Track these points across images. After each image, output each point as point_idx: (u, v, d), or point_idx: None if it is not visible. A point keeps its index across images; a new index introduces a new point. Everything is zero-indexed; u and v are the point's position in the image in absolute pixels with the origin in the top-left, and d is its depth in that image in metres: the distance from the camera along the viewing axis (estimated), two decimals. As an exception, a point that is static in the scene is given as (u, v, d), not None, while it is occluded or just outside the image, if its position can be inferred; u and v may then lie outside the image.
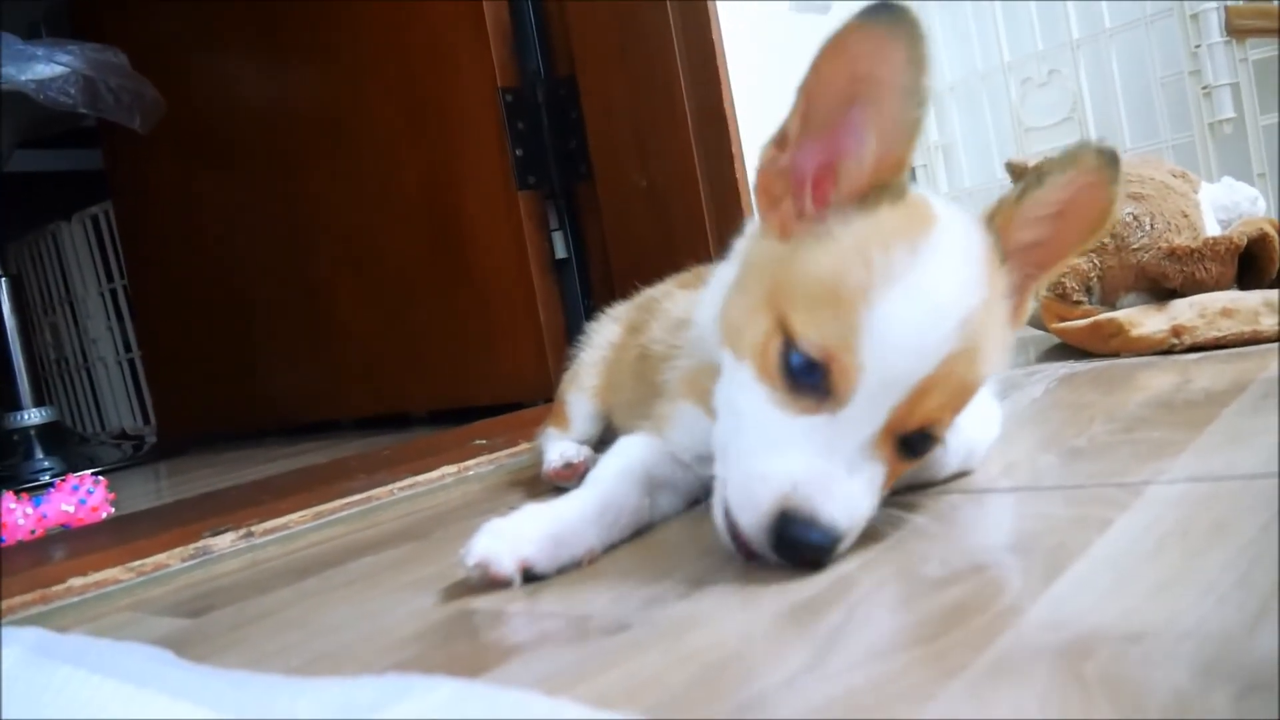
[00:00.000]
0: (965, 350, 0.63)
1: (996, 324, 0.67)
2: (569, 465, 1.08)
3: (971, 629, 0.50)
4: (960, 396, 0.66)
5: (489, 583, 0.74)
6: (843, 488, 0.63)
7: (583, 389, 1.16)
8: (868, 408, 0.63)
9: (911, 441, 0.66)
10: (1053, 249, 0.72)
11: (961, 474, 0.82)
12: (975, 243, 0.67)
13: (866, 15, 0.63)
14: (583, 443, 1.15)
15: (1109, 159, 0.67)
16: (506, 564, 0.73)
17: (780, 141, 0.71)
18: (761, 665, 0.51)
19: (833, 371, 0.64)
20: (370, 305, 2.28)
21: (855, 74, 0.65)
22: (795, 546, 0.62)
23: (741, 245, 0.79)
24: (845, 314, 0.63)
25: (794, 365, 0.65)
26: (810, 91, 0.69)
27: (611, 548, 0.79)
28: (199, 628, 0.82)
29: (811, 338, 0.64)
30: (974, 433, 0.83)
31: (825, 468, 0.63)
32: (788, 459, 0.64)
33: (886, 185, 0.67)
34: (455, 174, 2.01)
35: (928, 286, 0.63)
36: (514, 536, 0.74)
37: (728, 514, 0.66)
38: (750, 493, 0.64)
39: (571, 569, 0.75)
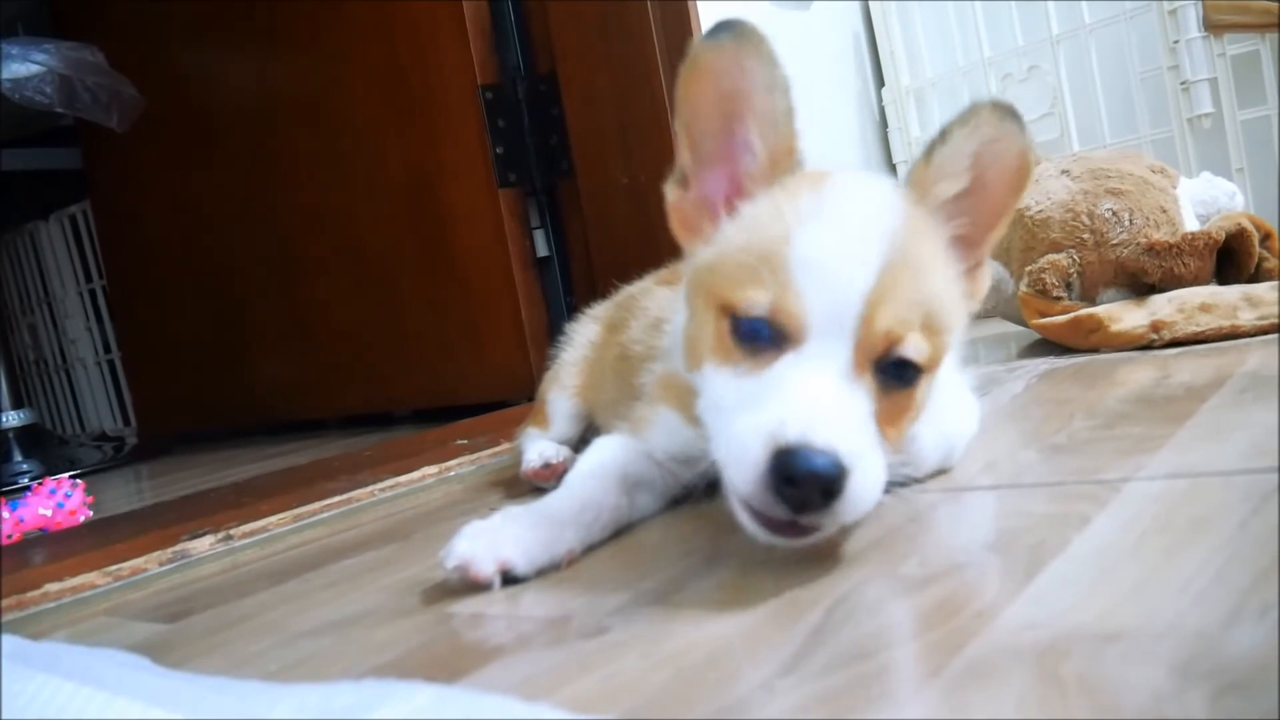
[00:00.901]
0: (899, 262, 0.65)
1: (934, 256, 0.70)
2: (548, 465, 1.08)
3: (950, 629, 0.50)
4: (916, 312, 0.65)
5: (469, 585, 0.73)
6: (833, 413, 0.61)
7: (563, 388, 1.16)
8: (827, 337, 0.64)
9: (891, 369, 0.65)
10: (982, 204, 0.74)
11: (941, 471, 0.82)
12: (881, 184, 0.73)
13: (708, 38, 0.70)
14: (563, 442, 1.14)
15: (1005, 112, 0.70)
16: (486, 566, 0.73)
17: (681, 181, 0.76)
18: (740, 668, 0.50)
19: (780, 319, 0.65)
20: (353, 304, 2.27)
21: (721, 93, 0.72)
22: (801, 481, 0.58)
23: (685, 271, 0.80)
24: (771, 266, 0.65)
25: (744, 332, 0.66)
26: (688, 124, 0.74)
27: (591, 548, 0.79)
28: (177, 632, 0.81)
29: (750, 300, 0.66)
30: (952, 428, 0.83)
31: (807, 400, 0.61)
32: (769, 408, 0.62)
33: (783, 169, 0.72)
34: (437, 172, 2.00)
35: (840, 212, 0.67)
36: (493, 538, 0.74)
37: (735, 494, 0.63)
38: (741, 452, 0.61)
39: (551, 570, 0.75)
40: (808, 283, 0.64)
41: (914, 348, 0.65)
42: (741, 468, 0.61)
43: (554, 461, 1.08)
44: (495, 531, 0.75)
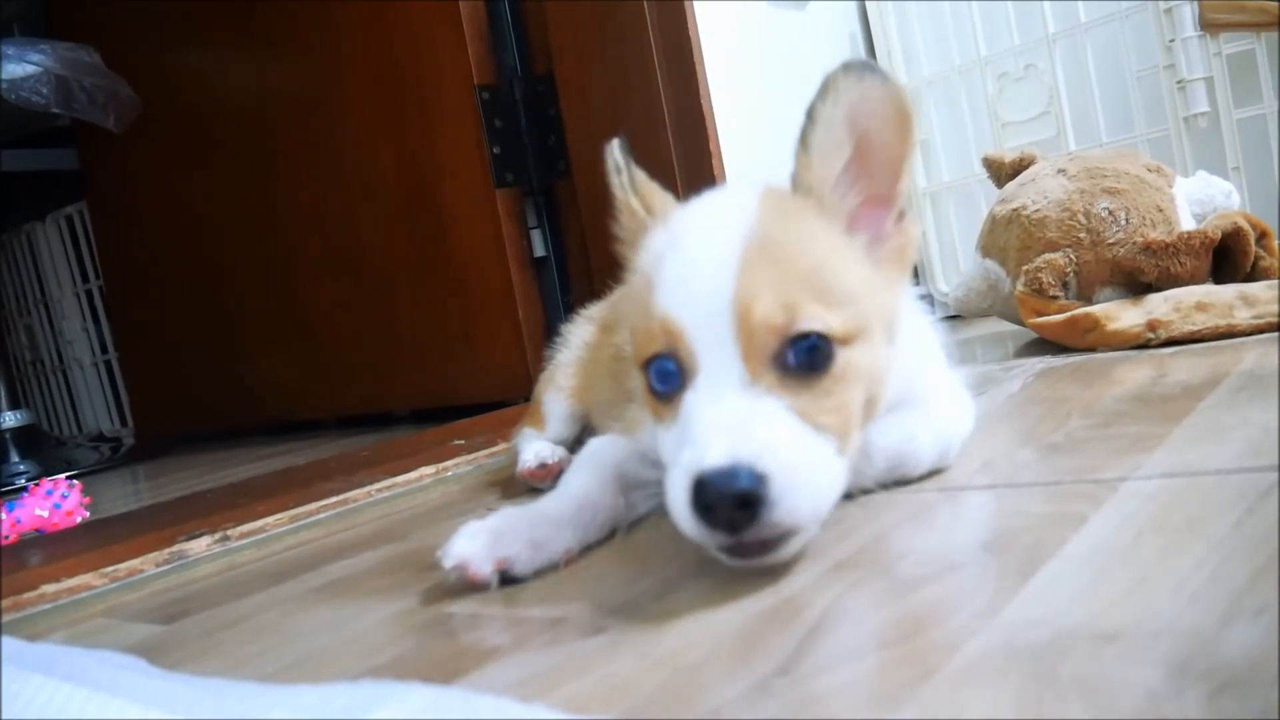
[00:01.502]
0: (760, 256, 0.67)
1: (812, 235, 0.71)
2: (544, 466, 1.08)
3: (946, 629, 0.50)
4: (797, 291, 0.66)
5: (467, 585, 0.73)
6: (735, 430, 0.61)
7: (559, 389, 1.16)
8: (714, 357, 0.65)
9: (800, 356, 0.65)
10: (876, 163, 0.74)
11: (937, 470, 0.82)
12: (742, 189, 0.75)
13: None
14: (559, 443, 1.15)
15: (860, 71, 0.71)
16: (484, 566, 0.73)
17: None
18: (736, 668, 0.50)
19: (677, 355, 0.68)
20: (350, 305, 2.27)
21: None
22: (716, 505, 0.59)
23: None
24: (649, 310, 0.70)
25: (657, 377, 0.70)
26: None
27: (588, 548, 0.79)
28: (173, 634, 0.81)
29: (654, 346, 0.69)
30: (948, 427, 0.83)
31: (709, 427, 0.62)
32: (686, 449, 0.62)
33: (655, 211, 0.78)
34: (434, 172, 2.00)
35: (692, 233, 0.71)
36: (491, 539, 0.74)
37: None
38: (675, 498, 0.62)
39: (549, 570, 0.75)
40: (678, 313, 0.67)
41: (809, 322, 0.65)
42: (678, 513, 0.62)
43: (550, 462, 1.08)
44: (493, 532, 0.75)
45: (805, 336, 0.65)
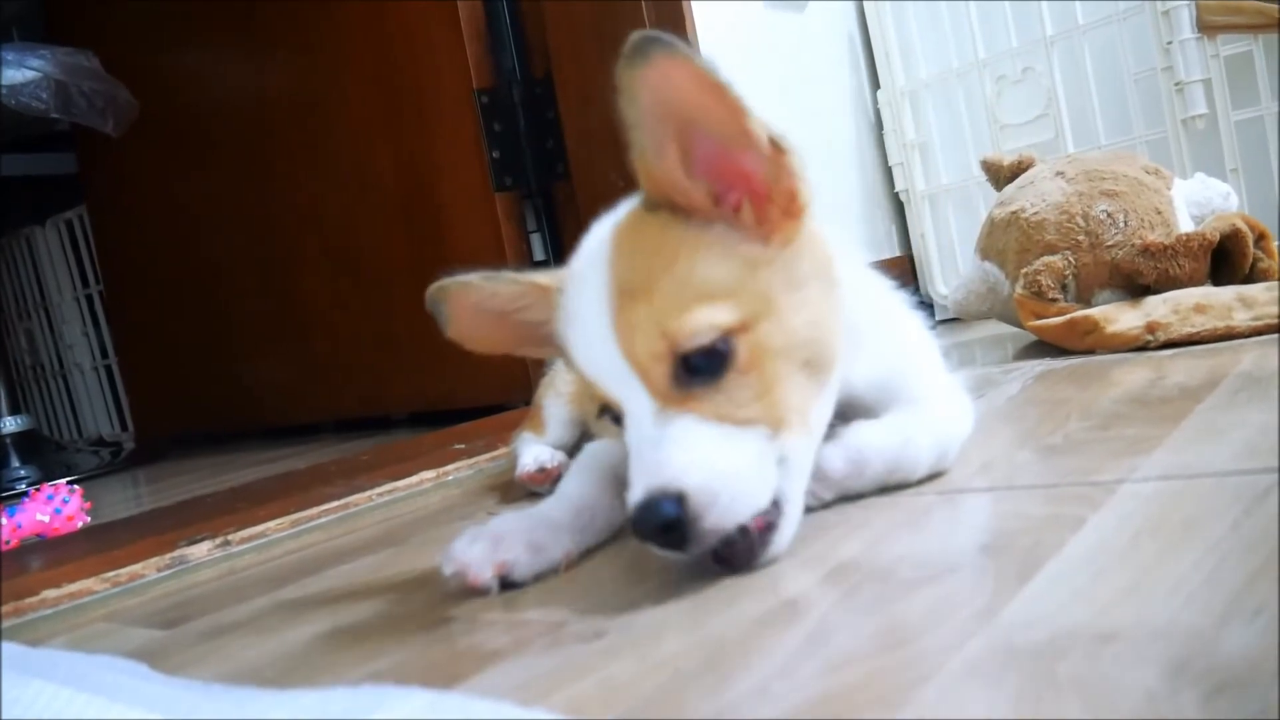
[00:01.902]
0: (623, 292, 0.67)
1: (675, 242, 0.68)
2: (542, 469, 1.08)
3: (945, 631, 0.50)
4: (668, 308, 0.66)
5: (466, 590, 0.73)
6: (651, 463, 0.64)
7: (559, 394, 1.16)
8: (629, 398, 0.68)
9: (691, 366, 0.66)
10: (711, 136, 0.68)
11: (936, 474, 0.82)
12: (601, 234, 0.73)
13: None
14: (558, 447, 1.15)
15: (640, 50, 0.62)
16: (484, 571, 0.73)
17: None
18: (735, 671, 0.51)
19: (610, 407, 0.72)
20: (349, 308, 2.27)
21: None
22: (648, 536, 0.64)
23: None
24: (574, 364, 0.74)
25: (613, 421, 0.73)
26: None
27: (588, 552, 0.79)
28: (174, 638, 0.81)
29: (597, 403, 0.73)
30: (946, 430, 0.83)
31: (634, 465, 0.66)
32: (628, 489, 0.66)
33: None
34: (433, 175, 2.01)
35: (573, 297, 0.72)
36: (491, 544, 0.74)
37: None
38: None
39: (549, 575, 0.75)
40: (592, 375, 0.71)
41: (693, 338, 0.66)
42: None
43: (549, 466, 1.08)
44: (492, 537, 0.75)
45: (693, 354, 0.66)
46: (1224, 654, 0.42)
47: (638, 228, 0.71)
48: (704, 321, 0.66)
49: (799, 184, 0.71)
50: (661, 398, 0.66)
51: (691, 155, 0.68)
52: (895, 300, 0.89)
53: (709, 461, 0.64)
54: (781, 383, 0.68)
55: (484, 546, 0.74)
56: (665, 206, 0.70)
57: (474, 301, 0.82)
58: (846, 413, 0.79)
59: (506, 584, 0.74)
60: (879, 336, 0.80)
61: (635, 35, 0.62)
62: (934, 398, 0.84)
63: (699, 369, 0.66)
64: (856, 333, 0.76)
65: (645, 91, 0.64)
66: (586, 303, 0.70)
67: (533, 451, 1.12)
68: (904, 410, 0.81)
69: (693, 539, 0.63)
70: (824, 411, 0.74)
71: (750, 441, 0.66)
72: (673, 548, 0.64)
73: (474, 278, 0.81)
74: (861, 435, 0.77)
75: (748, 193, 0.70)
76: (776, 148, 0.69)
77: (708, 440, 0.65)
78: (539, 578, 0.75)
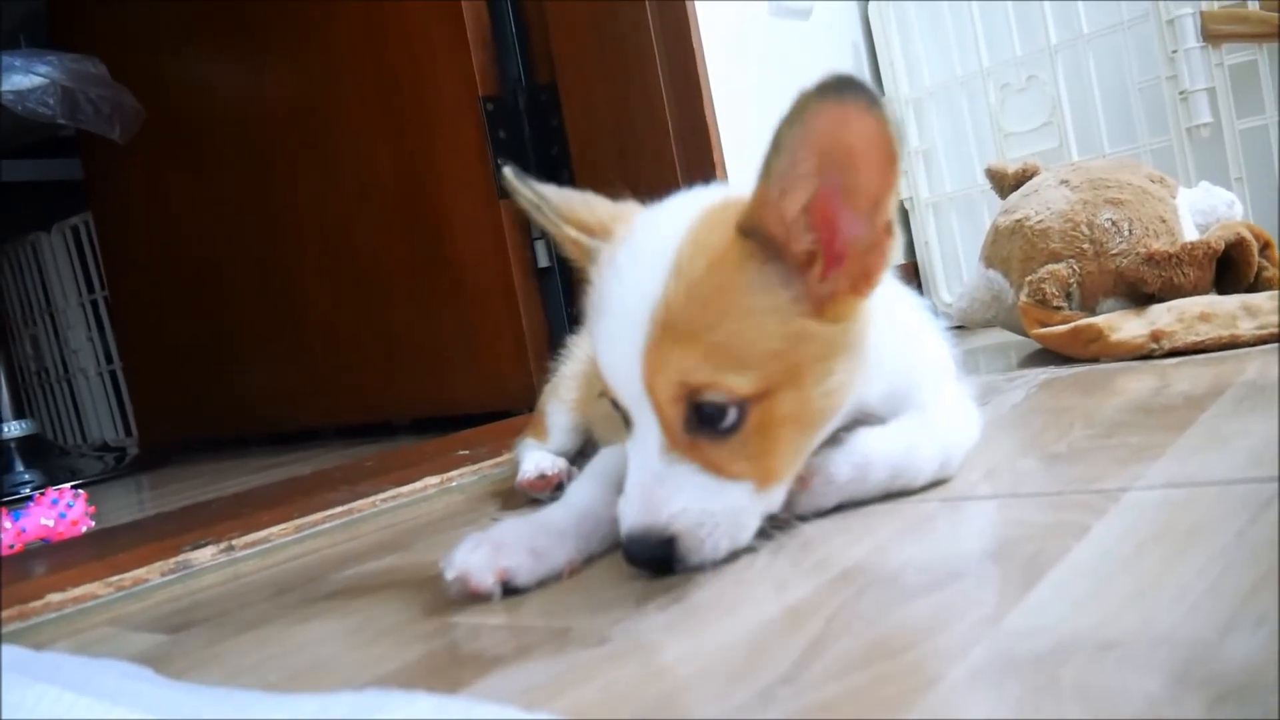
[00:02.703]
0: (666, 323, 0.67)
1: (736, 289, 0.68)
2: (543, 477, 1.08)
3: (949, 638, 0.50)
4: (700, 360, 0.67)
5: (469, 595, 0.73)
6: (652, 499, 0.69)
7: (562, 401, 1.16)
8: (639, 416, 0.71)
9: (703, 419, 0.69)
10: (847, 199, 0.67)
11: (940, 481, 0.82)
12: (676, 227, 0.71)
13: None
14: (560, 455, 1.15)
15: (840, 91, 0.62)
16: (486, 577, 0.73)
17: None
18: (738, 677, 0.51)
19: (618, 404, 0.73)
20: (353, 315, 2.27)
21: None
22: (634, 563, 0.71)
23: None
24: (593, 350, 0.75)
25: (615, 407, 0.75)
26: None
27: (591, 559, 0.79)
28: (178, 643, 0.81)
29: (603, 389, 0.75)
30: (951, 439, 0.83)
31: (632, 491, 0.70)
32: (623, 500, 0.71)
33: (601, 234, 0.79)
34: (436, 183, 2.01)
35: (615, 288, 0.72)
36: (493, 549, 0.74)
37: None
38: (620, 526, 0.72)
39: (552, 581, 0.75)
40: (608, 374, 0.73)
41: (710, 394, 0.68)
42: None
43: (549, 473, 1.08)
44: (494, 543, 0.75)
45: (708, 405, 0.68)
46: (1227, 662, 0.42)
47: (713, 250, 0.69)
48: (727, 385, 0.68)
49: (884, 268, 0.71)
50: (670, 437, 0.70)
51: (813, 209, 0.68)
52: (915, 314, 0.88)
53: (699, 514, 0.69)
54: (780, 447, 0.71)
55: (486, 552, 0.74)
56: (757, 238, 0.69)
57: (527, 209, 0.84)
58: (856, 420, 0.79)
59: (509, 590, 0.74)
60: (897, 357, 0.80)
61: (837, 74, 0.62)
62: (941, 406, 0.84)
63: (709, 418, 0.69)
64: (878, 361, 0.76)
65: (819, 123, 0.63)
66: (624, 308, 0.70)
67: (534, 458, 1.12)
68: (910, 417, 0.81)
69: (676, 571, 0.70)
70: (809, 453, 0.75)
71: (737, 496, 0.70)
72: (654, 571, 0.71)
73: (523, 194, 0.82)
74: (867, 442, 0.77)
75: (826, 250, 0.70)
76: (888, 229, 0.69)
77: (702, 493, 0.69)
78: (541, 584, 0.75)
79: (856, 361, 0.73)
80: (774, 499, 0.73)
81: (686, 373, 0.67)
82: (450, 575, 0.73)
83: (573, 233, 0.80)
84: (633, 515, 0.69)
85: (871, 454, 0.77)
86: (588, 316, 0.76)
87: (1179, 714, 0.39)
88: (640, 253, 0.72)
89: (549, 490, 1.07)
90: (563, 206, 0.81)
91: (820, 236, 0.69)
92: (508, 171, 0.83)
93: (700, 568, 0.70)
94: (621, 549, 0.71)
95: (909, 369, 0.82)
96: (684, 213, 0.73)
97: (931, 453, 0.80)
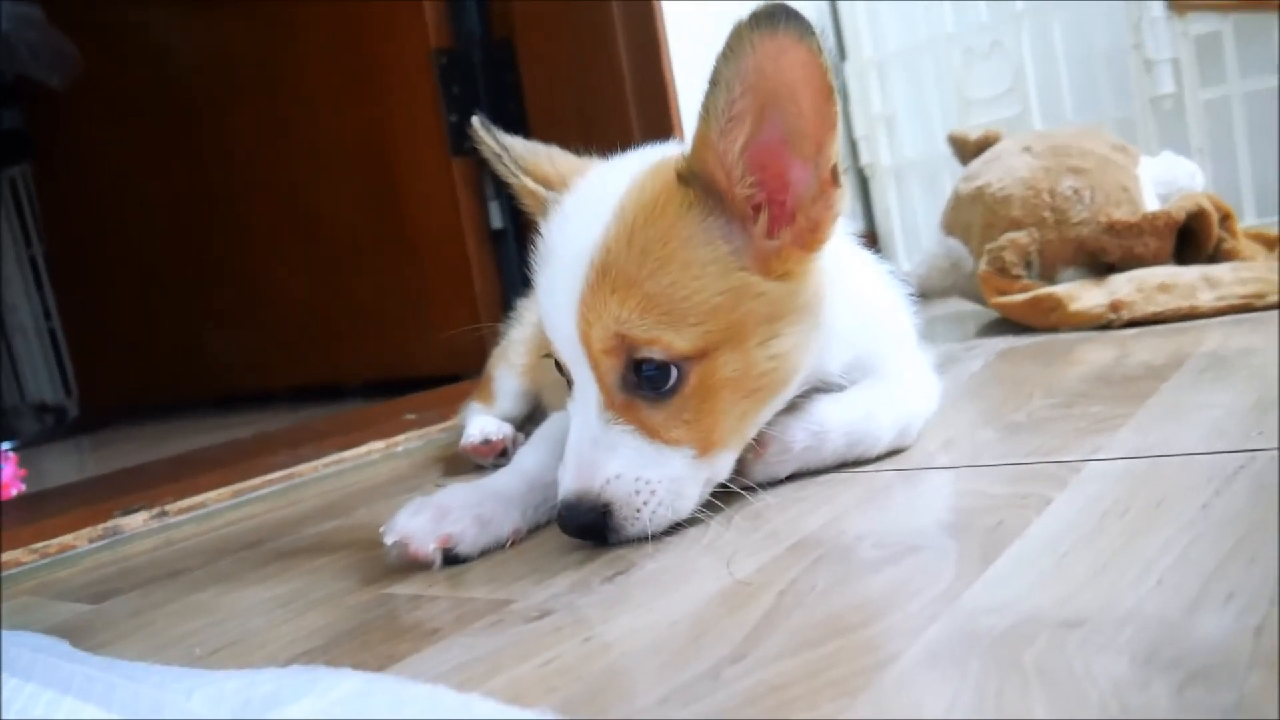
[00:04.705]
0: (604, 272, 0.66)
1: (678, 242, 0.66)
2: (487, 442, 1.05)
3: (906, 614, 0.48)
4: (637, 313, 0.65)
5: (409, 562, 0.70)
6: (586, 463, 0.67)
7: (511, 366, 1.13)
8: (578, 373, 0.69)
9: (641, 378, 0.67)
10: (787, 142, 0.66)
11: (897, 450, 0.80)
12: (617, 181, 0.70)
13: None
14: (508, 419, 1.11)
15: (772, 21, 0.60)
16: (426, 543, 0.70)
17: None
18: (685, 654, 0.48)
19: (558, 362, 0.72)
20: (303, 274, 2.21)
21: None
22: (568, 529, 0.68)
23: None
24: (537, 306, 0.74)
25: (556, 368, 0.73)
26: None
27: (538, 528, 0.76)
28: (101, 613, 0.78)
29: (546, 348, 0.73)
30: (909, 407, 0.80)
31: (570, 455, 0.68)
32: (561, 465, 0.70)
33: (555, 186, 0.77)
34: (390, 138, 1.95)
35: (556, 241, 0.70)
36: (436, 514, 0.71)
37: None
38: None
39: (495, 550, 0.73)
40: (549, 329, 0.71)
41: (646, 350, 0.66)
42: None
43: (494, 439, 1.05)
44: (438, 507, 0.72)
45: (645, 362, 0.66)
46: (1195, 642, 0.40)
47: (655, 199, 0.67)
48: (664, 341, 0.65)
49: (831, 220, 0.69)
50: (606, 396, 0.68)
51: (753, 147, 0.66)
52: (878, 280, 0.85)
53: (634, 481, 0.67)
54: (721, 412, 0.69)
55: (429, 518, 0.71)
56: (698, 184, 0.67)
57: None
58: (814, 389, 0.77)
59: (450, 559, 0.71)
60: (858, 327, 0.77)
61: (771, 4, 0.60)
62: (900, 373, 0.82)
63: (648, 378, 0.67)
64: (838, 330, 0.74)
65: (754, 58, 0.62)
66: (565, 257, 0.68)
67: (479, 423, 1.08)
68: (868, 385, 0.78)
69: (611, 542, 0.68)
70: (761, 423, 0.73)
71: (676, 462, 0.68)
72: (588, 538, 0.68)
73: (487, 144, 0.80)
74: (824, 410, 0.75)
75: (773, 204, 0.68)
76: (834, 177, 0.68)
77: (638, 459, 0.67)
78: (485, 552, 0.72)
79: (809, 326, 0.71)
80: (718, 468, 0.70)
81: (621, 323, 0.65)
82: (390, 540, 0.70)
83: (530, 184, 0.78)
84: (567, 480, 0.67)
85: (828, 422, 0.75)
86: (534, 269, 0.74)
87: (1147, 696, 0.37)
88: (585, 202, 0.71)
89: (493, 456, 1.04)
90: (524, 158, 0.79)
91: (765, 187, 0.68)
92: (476, 120, 0.80)
93: (638, 539, 0.67)
94: (556, 516, 0.69)
95: (870, 338, 0.80)
96: (634, 165, 0.72)
97: (890, 421, 0.78)
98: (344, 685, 0.47)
